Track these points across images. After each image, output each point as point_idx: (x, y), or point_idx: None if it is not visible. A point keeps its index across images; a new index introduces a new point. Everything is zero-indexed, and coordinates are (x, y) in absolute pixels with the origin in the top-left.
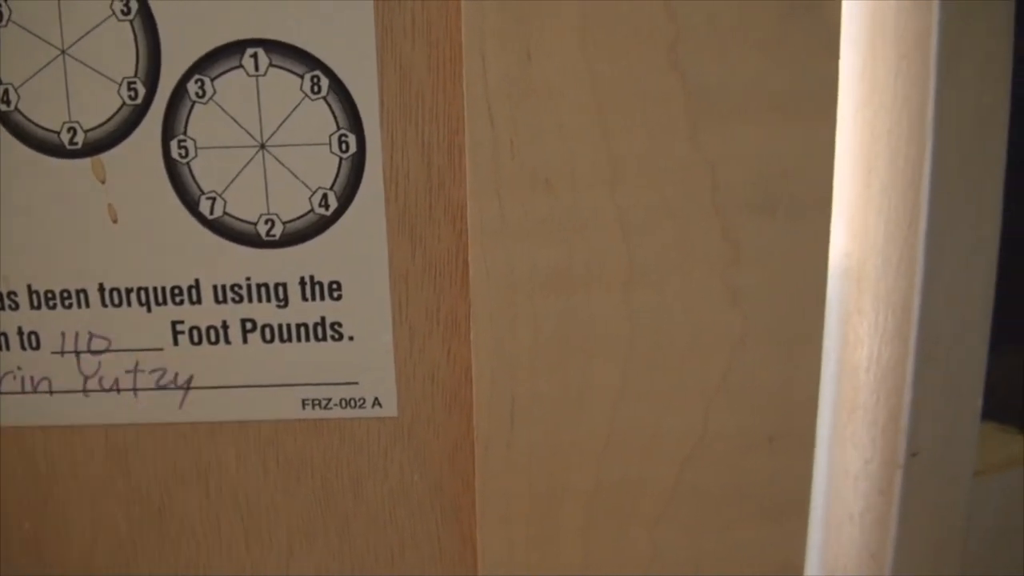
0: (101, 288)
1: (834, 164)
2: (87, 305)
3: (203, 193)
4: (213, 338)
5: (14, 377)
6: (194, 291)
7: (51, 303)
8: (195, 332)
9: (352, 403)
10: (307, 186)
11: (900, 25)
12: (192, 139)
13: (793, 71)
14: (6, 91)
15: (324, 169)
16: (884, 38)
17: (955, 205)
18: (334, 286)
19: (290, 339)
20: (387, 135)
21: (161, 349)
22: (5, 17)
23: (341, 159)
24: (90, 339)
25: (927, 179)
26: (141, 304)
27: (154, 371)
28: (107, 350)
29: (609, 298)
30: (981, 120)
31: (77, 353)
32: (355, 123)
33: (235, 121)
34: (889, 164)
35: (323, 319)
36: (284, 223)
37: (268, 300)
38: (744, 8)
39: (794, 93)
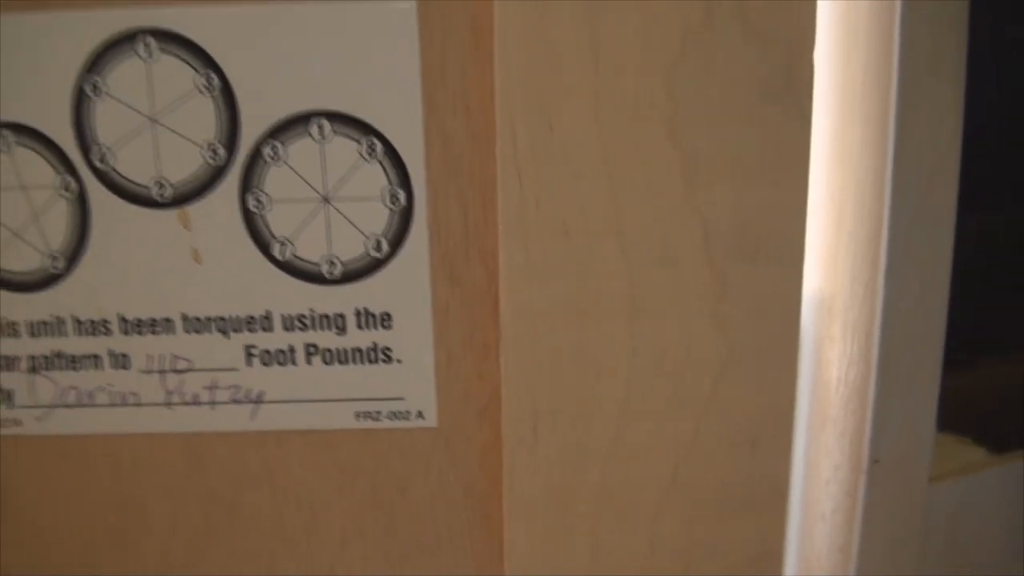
0: (184, 317)
1: (806, 219)
2: (172, 332)
3: (275, 239)
4: (281, 360)
5: (105, 392)
6: (266, 320)
7: (140, 330)
8: (266, 355)
9: (398, 415)
10: (363, 233)
11: (866, 99)
12: (266, 193)
13: (772, 142)
14: (103, 153)
15: (378, 219)
16: (853, 112)
17: (910, 249)
18: (385, 317)
19: (347, 361)
20: (431, 191)
21: (236, 369)
22: (102, 90)
23: (392, 211)
24: (173, 360)
25: (886, 227)
26: (219, 331)
27: (229, 387)
28: (188, 370)
29: (615, 327)
30: (932, 180)
31: (162, 372)
32: (404, 181)
33: (303, 179)
34: (855, 215)
35: (375, 344)
36: (343, 264)
37: (329, 328)
38: (731, 89)
39: (773, 160)
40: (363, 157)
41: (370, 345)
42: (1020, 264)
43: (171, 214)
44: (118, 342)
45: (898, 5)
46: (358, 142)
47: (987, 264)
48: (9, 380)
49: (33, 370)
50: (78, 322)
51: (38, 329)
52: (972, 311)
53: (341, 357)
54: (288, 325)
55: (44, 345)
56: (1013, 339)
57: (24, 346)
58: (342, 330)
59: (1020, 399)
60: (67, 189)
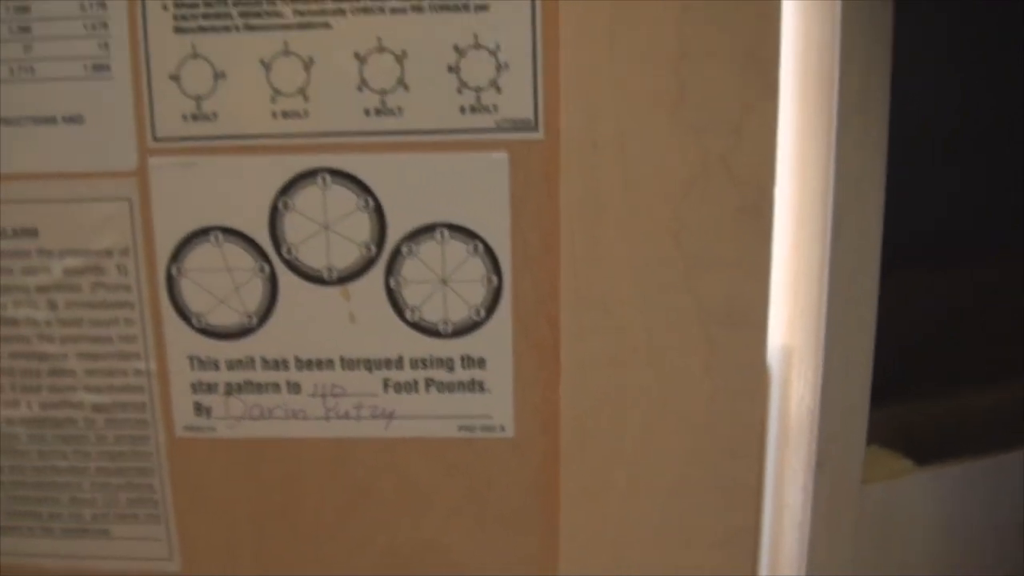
0: (341, 359)
1: (769, 296)
2: (332, 368)
3: (408, 306)
4: (408, 389)
5: (281, 409)
6: (399, 361)
7: (309, 367)
8: (397, 385)
9: (488, 428)
10: (468, 304)
11: (812, 213)
12: (403, 276)
13: (745, 245)
14: (289, 247)
15: (478, 294)
16: (804, 220)
17: (843, 317)
18: (481, 361)
19: (454, 391)
20: (515, 277)
21: (376, 395)
22: (291, 207)
23: (488, 289)
24: (332, 388)
25: (824, 303)
26: (366, 369)
27: (370, 407)
28: (343, 395)
29: (640, 372)
30: (857, 273)
31: (323, 396)
32: (496, 269)
33: (428, 267)
34: (807, 293)
35: (473, 379)
36: (454, 324)
37: (442, 367)
38: (718, 213)
39: (745, 257)
40: (470, 254)
41: (470, 379)
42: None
43: (336, 290)
44: (293, 375)
45: (832, 154)
46: (467, 244)
47: (912, 318)
48: (208, 400)
49: (228, 393)
50: (264, 360)
51: (234, 365)
52: (895, 354)
53: (449, 387)
54: (414, 365)
55: (238, 376)
56: (935, 375)
57: (222, 376)
58: (451, 369)
59: (941, 423)
60: (262, 271)
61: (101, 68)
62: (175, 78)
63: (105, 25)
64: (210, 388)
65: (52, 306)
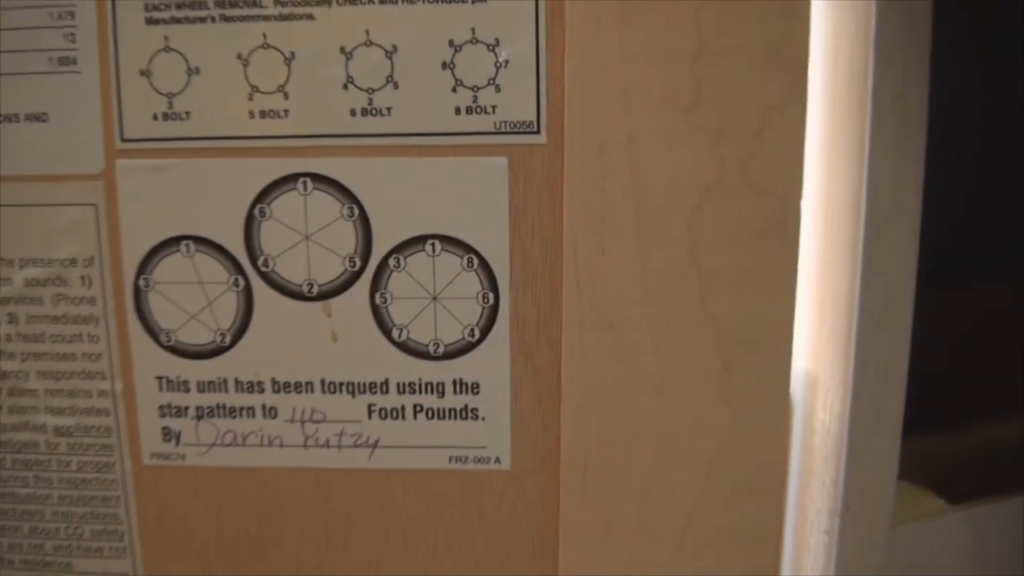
0: (322, 382)
1: (793, 321)
2: (312, 392)
3: (395, 325)
4: (394, 416)
5: (256, 435)
6: (384, 386)
7: (287, 390)
8: (383, 411)
9: (481, 460)
10: (461, 323)
11: (841, 233)
12: (390, 292)
13: (767, 265)
14: (266, 259)
15: (472, 313)
16: (831, 241)
17: (875, 345)
18: (475, 386)
19: (444, 418)
20: (513, 294)
21: (360, 421)
22: (268, 215)
23: (484, 307)
24: (312, 413)
25: (855, 328)
26: (348, 393)
27: (353, 435)
28: (323, 420)
29: (648, 400)
30: (891, 296)
31: (302, 422)
32: (493, 285)
33: (418, 283)
34: (833, 317)
35: (466, 406)
36: (445, 345)
37: (432, 393)
38: (736, 227)
39: (767, 278)
40: (464, 268)
41: (462, 406)
42: (977, 341)
43: (317, 306)
44: (269, 399)
45: (865, 163)
46: (460, 257)
47: (949, 347)
48: (178, 424)
49: (199, 417)
50: (238, 382)
51: (205, 387)
52: (934, 385)
53: (440, 414)
54: (401, 389)
55: (209, 399)
56: (973, 407)
57: (192, 399)
58: (442, 394)
59: (976, 459)
60: (236, 285)
61: (67, 62)
62: (146, 73)
63: (71, 14)
64: (179, 412)
65: (12, 320)
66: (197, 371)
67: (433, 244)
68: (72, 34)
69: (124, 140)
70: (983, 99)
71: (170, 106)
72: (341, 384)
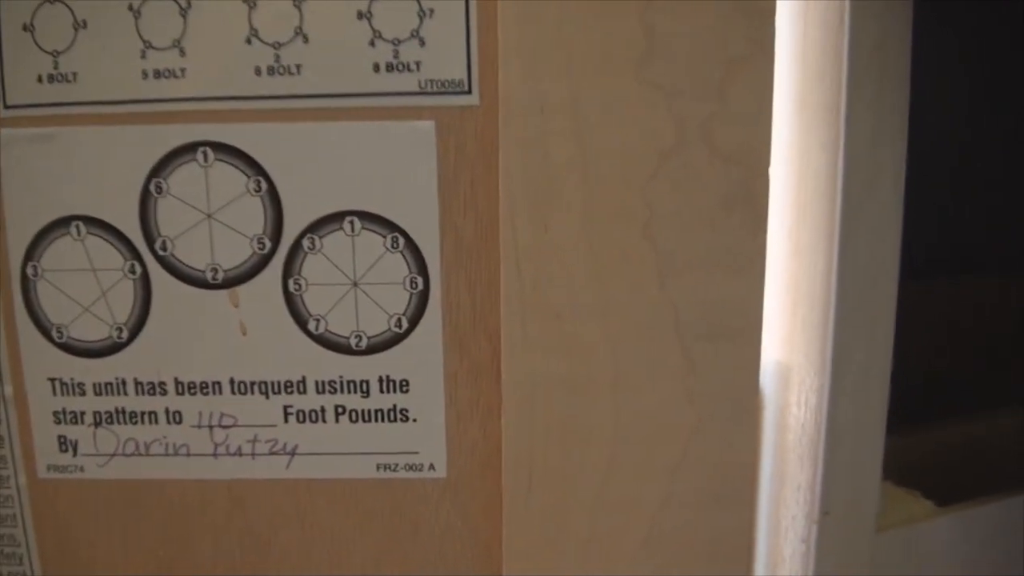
0: (232, 381)
1: (762, 305)
2: (220, 393)
3: (311, 316)
4: (313, 418)
5: (160, 444)
6: (301, 384)
7: (192, 391)
8: (300, 414)
9: (413, 467)
10: (386, 312)
11: (816, 204)
12: (305, 278)
13: (732, 242)
14: (164, 242)
15: (399, 301)
16: (805, 215)
17: (854, 331)
18: (403, 383)
19: (370, 420)
20: (444, 278)
21: (275, 425)
22: (165, 191)
23: (412, 294)
24: (221, 417)
25: (833, 312)
26: (261, 393)
27: (268, 441)
28: (234, 425)
29: (600, 397)
30: (875, 273)
31: (211, 427)
32: (422, 269)
33: (336, 267)
34: (808, 301)
35: (395, 406)
36: (369, 338)
37: (355, 392)
38: (697, 200)
39: (732, 257)
40: (388, 249)
41: (390, 406)
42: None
43: (222, 294)
44: (173, 401)
45: (842, 128)
46: (384, 237)
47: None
48: (75, 432)
49: (96, 424)
50: (138, 383)
51: (102, 389)
52: (919, 378)
53: (365, 416)
54: (320, 389)
55: (107, 403)
56: (959, 403)
57: (89, 403)
58: (366, 393)
59: (965, 457)
60: (132, 272)
61: None
62: (29, 29)
63: None
64: (75, 418)
65: None
66: (93, 371)
67: (352, 222)
68: None
69: (7, 106)
70: (967, 86)
71: (55, 66)
72: (252, 383)
